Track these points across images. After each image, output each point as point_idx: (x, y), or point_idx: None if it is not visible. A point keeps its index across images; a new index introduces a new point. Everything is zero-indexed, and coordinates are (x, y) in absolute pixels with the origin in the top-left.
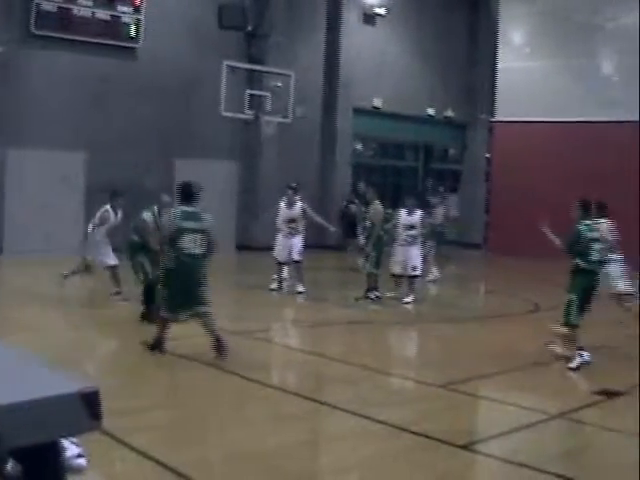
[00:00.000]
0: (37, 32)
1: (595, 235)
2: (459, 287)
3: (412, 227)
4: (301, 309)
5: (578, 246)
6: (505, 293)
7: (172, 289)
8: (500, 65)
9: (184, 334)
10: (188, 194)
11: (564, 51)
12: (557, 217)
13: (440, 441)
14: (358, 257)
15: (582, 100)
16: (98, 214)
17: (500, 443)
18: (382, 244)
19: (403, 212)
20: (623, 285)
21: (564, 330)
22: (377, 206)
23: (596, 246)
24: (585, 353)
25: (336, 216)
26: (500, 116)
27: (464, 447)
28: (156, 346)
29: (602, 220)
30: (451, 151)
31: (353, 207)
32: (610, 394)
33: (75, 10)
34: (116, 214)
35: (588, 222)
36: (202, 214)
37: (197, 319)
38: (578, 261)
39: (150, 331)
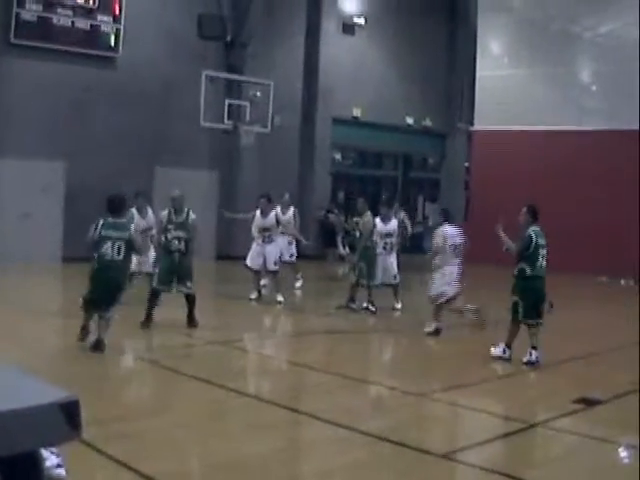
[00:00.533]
0: (17, 41)
1: (542, 241)
2: None
3: (389, 235)
4: (280, 318)
5: (528, 251)
6: (484, 302)
7: (92, 289)
8: (479, 74)
9: (164, 344)
10: (113, 207)
11: (542, 60)
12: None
13: (419, 450)
14: (337, 266)
15: (561, 109)
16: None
17: (480, 452)
18: (370, 255)
19: (378, 220)
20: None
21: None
22: (368, 217)
23: (543, 252)
24: (508, 351)
25: (315, 225)
26: (479, 125)
27: (443, 456)
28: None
29: None
30: (430, 160)
31: (332, 216)
32: (589, 402)
33: (55, 19)
34: (144, 214)
35: (536, 228)
36: (127, 224)
37: (101, 319)
38: (525, 266)
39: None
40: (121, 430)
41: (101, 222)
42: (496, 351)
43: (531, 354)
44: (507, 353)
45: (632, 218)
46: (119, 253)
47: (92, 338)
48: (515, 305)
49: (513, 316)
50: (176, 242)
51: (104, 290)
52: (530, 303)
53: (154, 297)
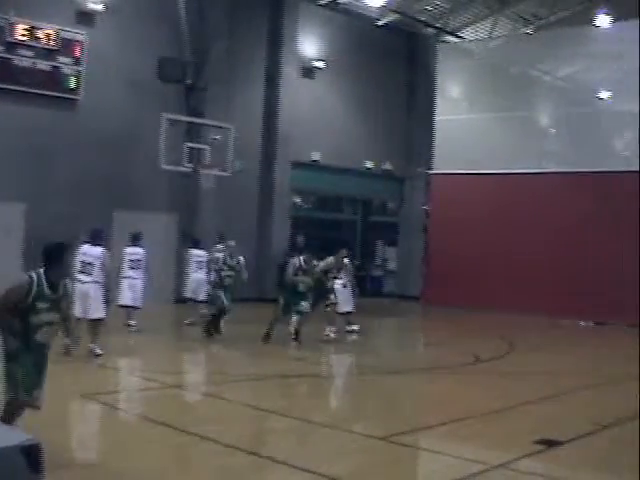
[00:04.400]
0: None
1: None
2: (399, 339)
3: None
4: (240, 362)
5: None
6: (445, 345)
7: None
8: (438, 118)
9: (125, 388)
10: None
11: (502, 104)
12: (496, 267)
13: None
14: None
15: (520, 152)
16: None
17: None
18: None
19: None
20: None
21: None
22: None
23: None
24: None
25: (275, 269)
26: (438, 169)
27: None
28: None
29: None
30: (389, 204)
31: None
32: (551, 443)
33: (16, 60)
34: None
35: None
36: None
37: None
38: None
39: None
40: (86, 476)
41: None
42: None
43: None
44: None
45: (590, 259)
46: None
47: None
48: None
49: None
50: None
51: None
52: None
53: None
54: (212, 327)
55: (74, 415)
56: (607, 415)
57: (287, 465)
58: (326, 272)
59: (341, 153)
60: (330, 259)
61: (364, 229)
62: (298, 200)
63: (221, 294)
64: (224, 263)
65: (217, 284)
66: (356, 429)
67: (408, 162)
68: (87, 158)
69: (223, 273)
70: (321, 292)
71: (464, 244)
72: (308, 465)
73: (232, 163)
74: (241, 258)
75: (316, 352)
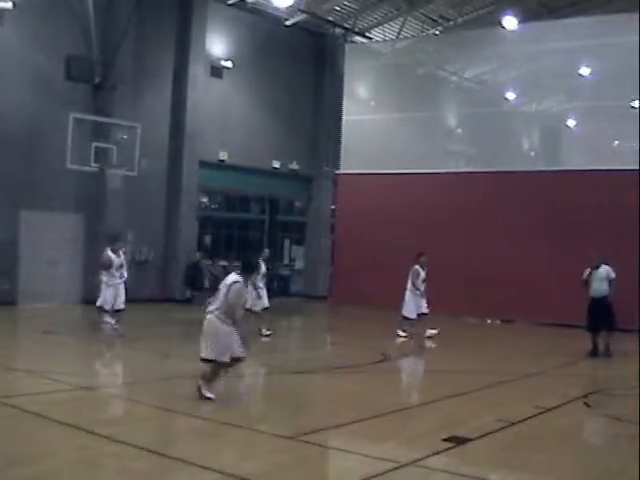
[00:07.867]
0: None
1: None
2: (306, 338)
3: None
4: (149, 363)
5: None
6: (353, 344)
7: None
8: (345, 118)
9: (34, 390)
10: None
11: (409, 104)
12: (401, 266)
13: None
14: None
15: (426, 152)
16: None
17: None
18: None
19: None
20: None
21: None
22: None
23: None
24: None
25: (183, 268)
26: (345, 168)
27: None
28: None
29: None
30: (297, 203)
31: (202, 260)
32: (460, 441)
33: None
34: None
35: None
36: None
37: None
38: None
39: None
40: None
41: None
42: None
43: None
44: None
45: (496, 258)
46: None
47: None
48: None
49: None
50: None
51: None
52: None
53: None
54: None
55: None
56: (514, 412)
57: (196, 466)
58: None
59: (248, 152)
60: None
61: (271, 228)
62: (205, 199)
63: None
64: None
65: None
66: (264, 429)
67: (315, 162)
68: None
69: None
70: None
71: (371, 244)
72: (217, 465)
73: (139, 162)
74: None
75: None
